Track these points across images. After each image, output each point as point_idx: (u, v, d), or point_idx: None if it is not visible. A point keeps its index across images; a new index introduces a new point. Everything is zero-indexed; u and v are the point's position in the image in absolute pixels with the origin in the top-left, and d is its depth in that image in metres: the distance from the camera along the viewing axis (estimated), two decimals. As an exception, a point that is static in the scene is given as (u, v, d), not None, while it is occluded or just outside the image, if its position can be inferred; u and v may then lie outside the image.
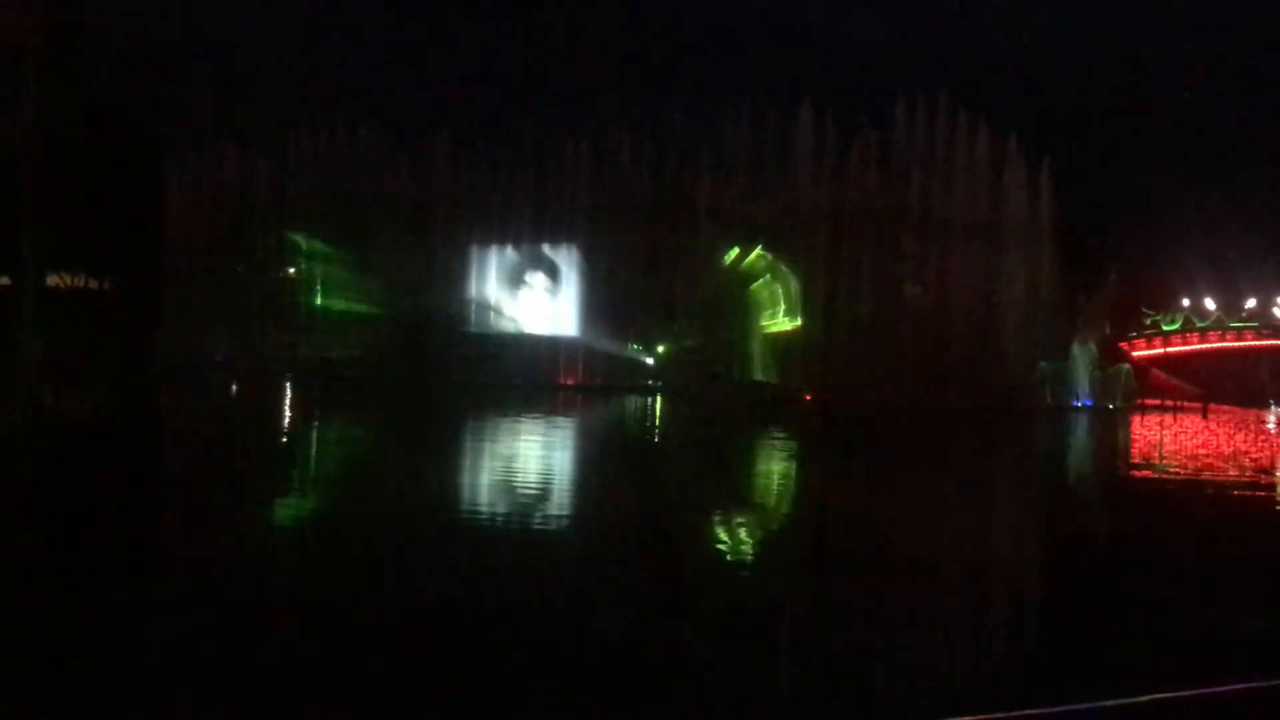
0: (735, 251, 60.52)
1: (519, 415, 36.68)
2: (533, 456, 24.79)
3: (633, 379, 60.48)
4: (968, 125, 58.28)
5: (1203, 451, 33.36)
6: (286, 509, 15.94)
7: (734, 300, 61.32)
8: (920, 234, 58.09)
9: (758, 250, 59.97)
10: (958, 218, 57.86)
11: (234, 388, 49.57)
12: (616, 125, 61.82)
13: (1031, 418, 51.15)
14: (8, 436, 26.20)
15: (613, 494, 18.87)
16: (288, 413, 39.12)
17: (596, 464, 24.38)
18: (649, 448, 30.19)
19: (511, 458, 24.34)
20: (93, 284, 74.26)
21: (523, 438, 29.67)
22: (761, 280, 60.65)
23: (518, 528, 14.58)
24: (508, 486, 18.24)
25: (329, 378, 56.87)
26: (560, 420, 38.55)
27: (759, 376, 59.89)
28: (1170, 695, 6.40)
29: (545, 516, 15.68)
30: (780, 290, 59.87)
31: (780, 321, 60.01)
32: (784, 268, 59.58)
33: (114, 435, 27.09)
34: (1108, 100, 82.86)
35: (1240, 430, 45.51)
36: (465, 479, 19.49)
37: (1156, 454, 32.73)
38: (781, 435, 36.16)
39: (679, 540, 14.67)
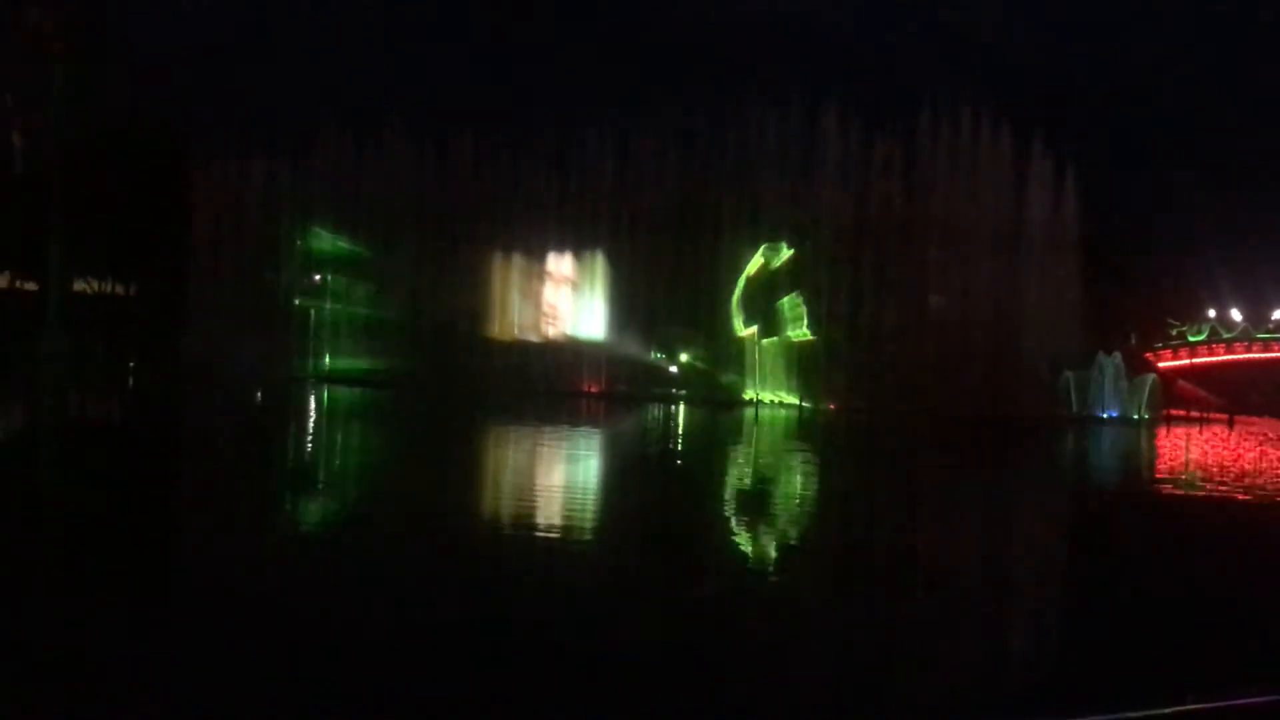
0: (759, 258, 60.17)
1: (550, 425, 36.51)
2: (590, 476, 24.45)
3: (656, 387, 60.34)
4: (991, 132, 58.11)
5: (1250, 467, 32.93)
6: (348, 529, 15.33)
7: (751, 308, 61.08)
8: (944, 242, 57.90)
9: (785, 253, 59.46)
10: (982, 226, 57.63)
11: (258, 395, 49.56)
12: (639, 130, 61.78)
13: (1058, 429, 50.82)
14: (29, 438, 26.33)
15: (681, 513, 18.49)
16: (315, 422, 39.02)
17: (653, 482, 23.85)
18: (692, 462, 29.83)
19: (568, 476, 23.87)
20: (118, 289, 74.67)
21: (564, 452, 29.48)
22: (789, 288, 59.98)
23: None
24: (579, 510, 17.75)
25: (353, 386, 57.06)
26: (594, 431, 38.29)
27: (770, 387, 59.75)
28: (1194, 708, 6.26)
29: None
30: (805, 298, 59.44)
31: (803, 330, 59.64)
32: (808, 274, 59.14)
33: (132, 439, 27.05)
34: (1134, 108, 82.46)
35: (1273, 443, 45.15)
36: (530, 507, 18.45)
37: (1197, 468, 32.28)
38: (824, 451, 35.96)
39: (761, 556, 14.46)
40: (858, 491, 23.20)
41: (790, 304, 59.63)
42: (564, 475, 23.08)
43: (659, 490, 20.92)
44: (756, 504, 19.48)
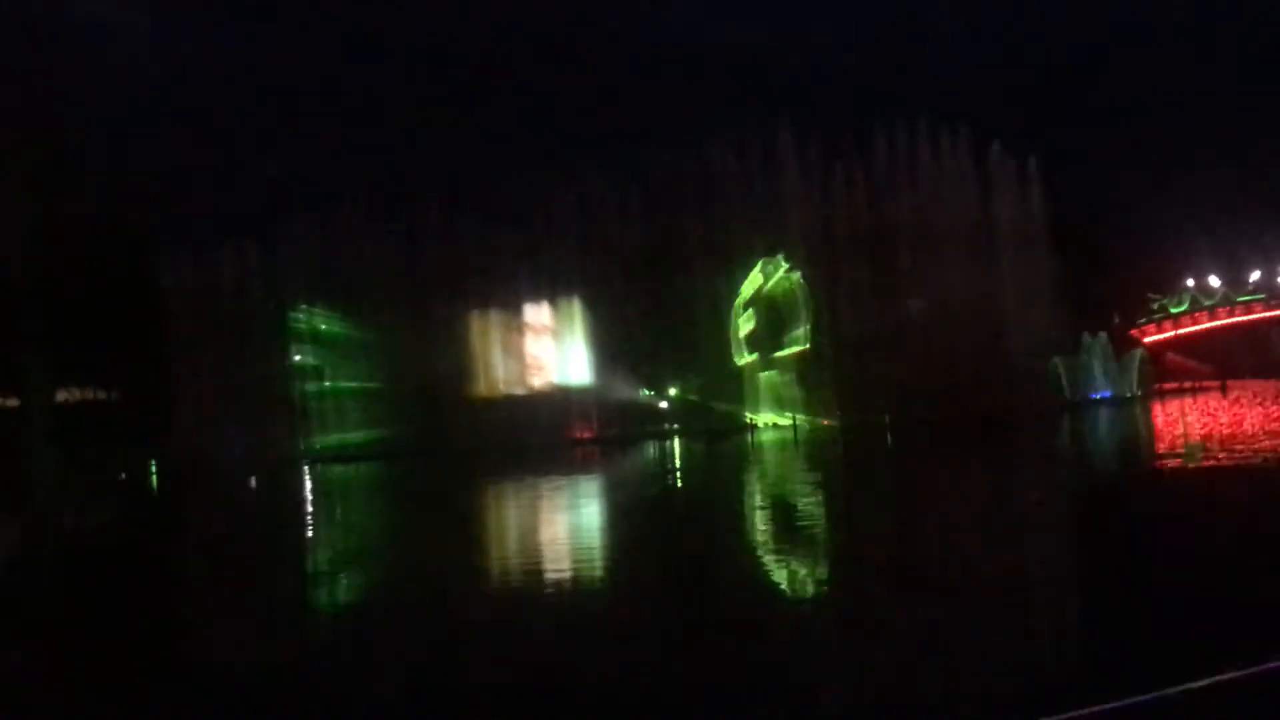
0: (756, 275, 60.22)
1: (551, 479, 36.03)
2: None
3: (648, 425, 60.02)
4: (952, 135, 58.54)
5: (1255, 430, 32.79)
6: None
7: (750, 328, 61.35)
8: (919, 248, 58.03)
9: (783, 270, 59.55)
10: (954, 227, 57.90)
11: (252, 483, 48.97)
12: (605, 172, 61.83)
13: (1054, 415, 50.74)
14: (27, 558, 25.90)
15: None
16: (314, 505, 38.45)
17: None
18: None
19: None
20: (101, 395, 74.15)
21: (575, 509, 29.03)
22: (788, 303, 60.06)
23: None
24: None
25: (346, 462, 56.52)
26: (597, 482, 37.78)
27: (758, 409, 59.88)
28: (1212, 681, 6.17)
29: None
30: (800, 310, 59.49)
31: (793, 347, 59.68)
32: (804, 287, 59.15)
33: (137, 549, 26.48)
34: (1089, 87, 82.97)
35: (1267, 404, 45.12)
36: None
37: (1208, 439, 32.00)
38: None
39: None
40: (919, 507, 22.52)
41: (788, 317, 59.70)
42: (596, 539, 22.30)
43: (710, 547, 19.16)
44: (830, 543, 18.45)
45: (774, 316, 60.44)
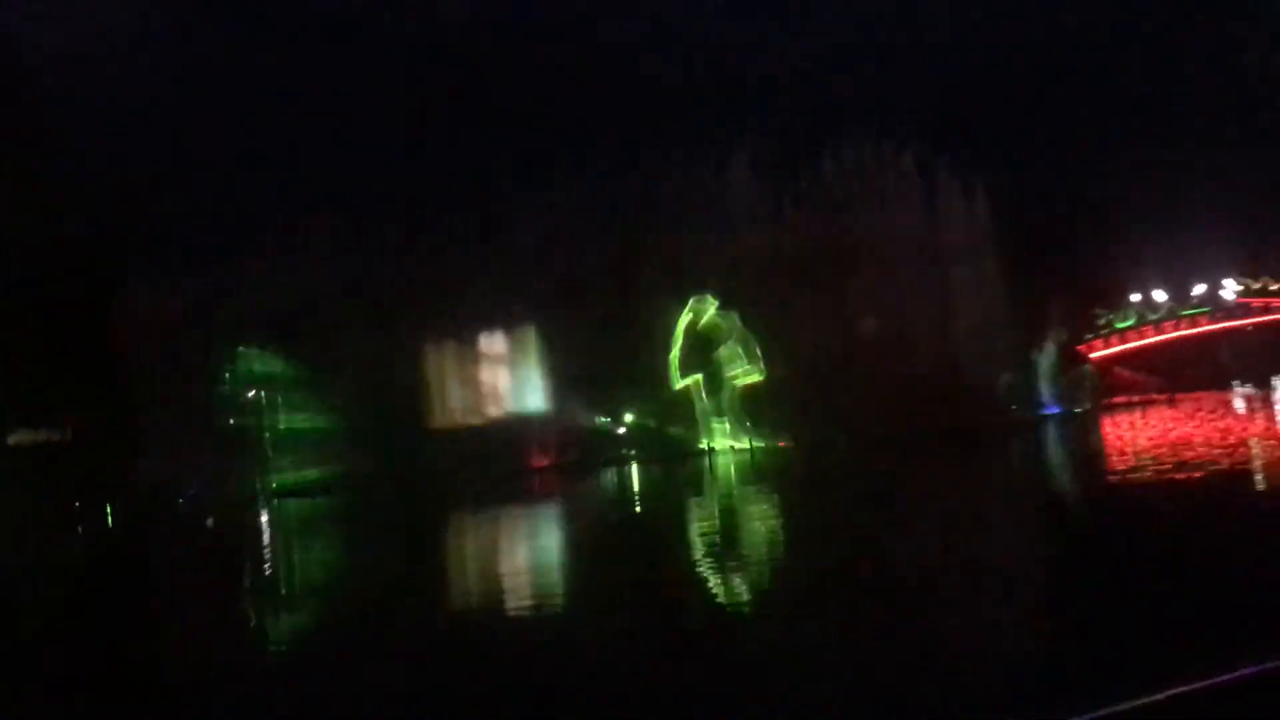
0: (688, 313, 60.54)
1: (513, 510, 36.10)
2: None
3: (606, 451, 60.09)
4: (899, 155, 59.31)
5: (1202, 442, 33.44)
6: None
7: (691, 360, 61.46)
8: (868, 268, 58.58)
9: (714, 308, 59.98)
10: (902, 247, 58.54)
11: (210, 523, 48.65)
12: (556, 200, 61.94)
13: (1004, 431, 51.29)
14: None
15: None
16: (271, 544, 38.25)
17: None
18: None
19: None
20: (56, 436, 73.15)
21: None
22: (724, 337, 60.41)
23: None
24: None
25: (304, 498, 56.11)
26: (557, 510, 37.87)
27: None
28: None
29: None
30: (742, 343, 59.82)
31: (745, 374, 59.91)
32: (739, 321, 59.60)
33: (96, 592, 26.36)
34: (1035, 107, 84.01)
35: (1216, 415, 45.96)
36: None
37: (1159, 452, 32.63)
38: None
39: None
40: (878, 525, 22.75)
41: (729, 351, 59.97)
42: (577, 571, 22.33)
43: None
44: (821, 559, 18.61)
45: (714, 348, 60.67)
